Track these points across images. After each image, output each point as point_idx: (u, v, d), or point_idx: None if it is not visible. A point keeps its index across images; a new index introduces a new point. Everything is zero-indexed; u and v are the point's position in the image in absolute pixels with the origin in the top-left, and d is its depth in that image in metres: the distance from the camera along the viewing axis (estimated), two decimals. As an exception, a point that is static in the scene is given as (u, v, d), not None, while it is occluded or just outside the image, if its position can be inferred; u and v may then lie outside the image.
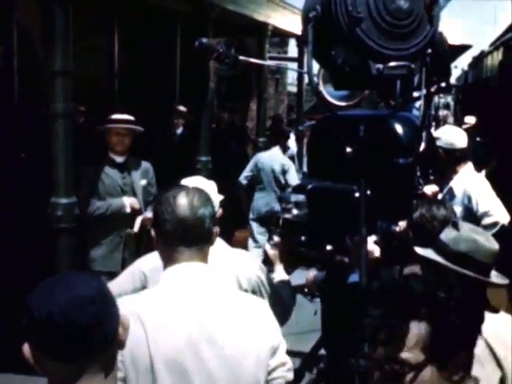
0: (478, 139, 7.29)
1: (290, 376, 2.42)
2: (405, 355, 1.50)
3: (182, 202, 2.33)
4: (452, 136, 5.16)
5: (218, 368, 2.21)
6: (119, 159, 5.60)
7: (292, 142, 11.20)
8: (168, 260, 2.35)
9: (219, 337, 2.22)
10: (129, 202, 5.50)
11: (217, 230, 2.48)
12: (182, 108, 9.67)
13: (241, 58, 3.13)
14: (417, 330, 1.51)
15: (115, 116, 5.66)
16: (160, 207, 2.35)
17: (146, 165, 5.78)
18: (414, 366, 1.50)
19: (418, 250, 2.84)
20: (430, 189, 4.25)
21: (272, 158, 8.37)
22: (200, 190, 2.45)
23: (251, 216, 8.36)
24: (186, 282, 2.30)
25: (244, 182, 8.45)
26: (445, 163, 5.01)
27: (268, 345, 2.31)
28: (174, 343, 2.19)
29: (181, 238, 2.31)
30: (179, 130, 9.61)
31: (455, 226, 2.77)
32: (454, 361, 1.55)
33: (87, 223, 5.48)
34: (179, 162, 7.70)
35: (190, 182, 3.40)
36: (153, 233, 2.40)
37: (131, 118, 5.66)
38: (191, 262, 2.32)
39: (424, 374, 1.51)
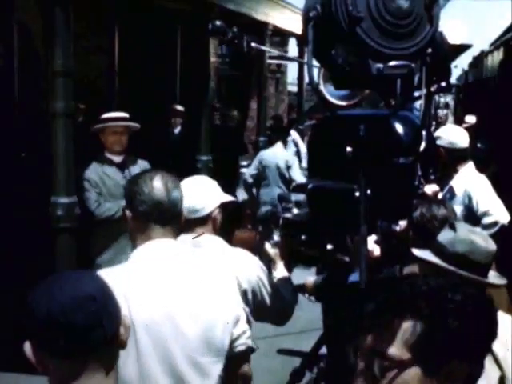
0: (478, 145, 7.31)
1: (250, 343, 2.63)
2: (391, 351, 1.45)
3: (158, 184, 2.52)
4: (453, 135, 5.16)
5: (194, 336, 2.40)
6: (117, 159, 5.44)
7: (300, 142, 11.24)
8: (141, 236, 2.54)
9: (194, 307, 2.42)
10: None
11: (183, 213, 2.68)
12: (179, 107, 9.66)
13: (253, 44, 3.16)
14: (409, 326, 1.47)
15: (110, 114, 5.50)
16: (136, 188, 2.52)
17: (143, 163, 5.63)
18: (398, 364, 1.44)
19: (416, 251, 2.84)
20: (430, 188, 4.27)
21: (276, 155, 8.61)
22: (171, 174, 2.63)
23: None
24: (161, 257, 2.49)
25: (250, 180, 8.71)
26: (445, 162, 5.02)
27: (232, 314, 2.52)
28: (153, 314, 2.36)
29: (156, 218, 2.51)
30: (177, 130, 9.61)
31: (452, 227, 2.78)
32: (448, 370, 1.47)
33: (89, 228, 5.37)
34: (177, 162, 7.70)
35: (192, 181, 3.41)
36: (127, 212, 2.56)
37: (126, 115, 5.52)
38: (164, 238, 2.52)
39: (407, 374, 1.44)
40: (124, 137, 5.40)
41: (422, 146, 2.55)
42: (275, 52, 11.03)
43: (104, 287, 1.63)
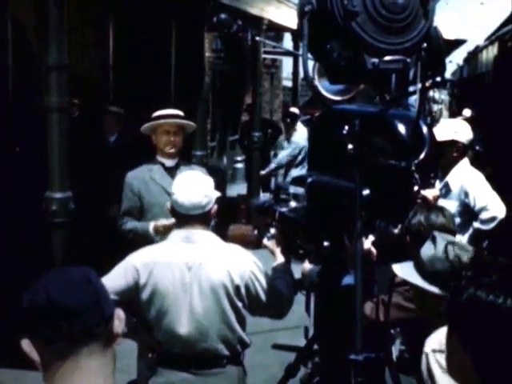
0: (477, 148, 7.33)
1: None
2: None
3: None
4: (470, 131, 5.13)
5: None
6: (169, 163, 4.74)
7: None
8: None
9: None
10: (153, 228, 4.47)
11: None
12: (115, 108, 7.93)
13: (258, 38, 3.17)
14: None
15: (161, 112, 4.79)
16: None
17: (198, 169, 4.82)
18: None
19: (396, 268, 2.71)
20: (430, 193, 4.24)
21: (305, 138, 9.61)
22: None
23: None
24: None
25: (285, 161, 10.28)
26: (450, 158, 4.99)
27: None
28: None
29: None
30: (113, 138, 7.74)
31: (433, 241, 2.64)
32: None
33: (128, 243, 4.63)
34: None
35: (187, 176, 3.41)
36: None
37: (180, 112, 4.86)
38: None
39: None
40: (177, 137, 4.73)
41: (425, 151, 2.55)
42: (282, 47, 11.06)
43: (96, 275, 1.67)
